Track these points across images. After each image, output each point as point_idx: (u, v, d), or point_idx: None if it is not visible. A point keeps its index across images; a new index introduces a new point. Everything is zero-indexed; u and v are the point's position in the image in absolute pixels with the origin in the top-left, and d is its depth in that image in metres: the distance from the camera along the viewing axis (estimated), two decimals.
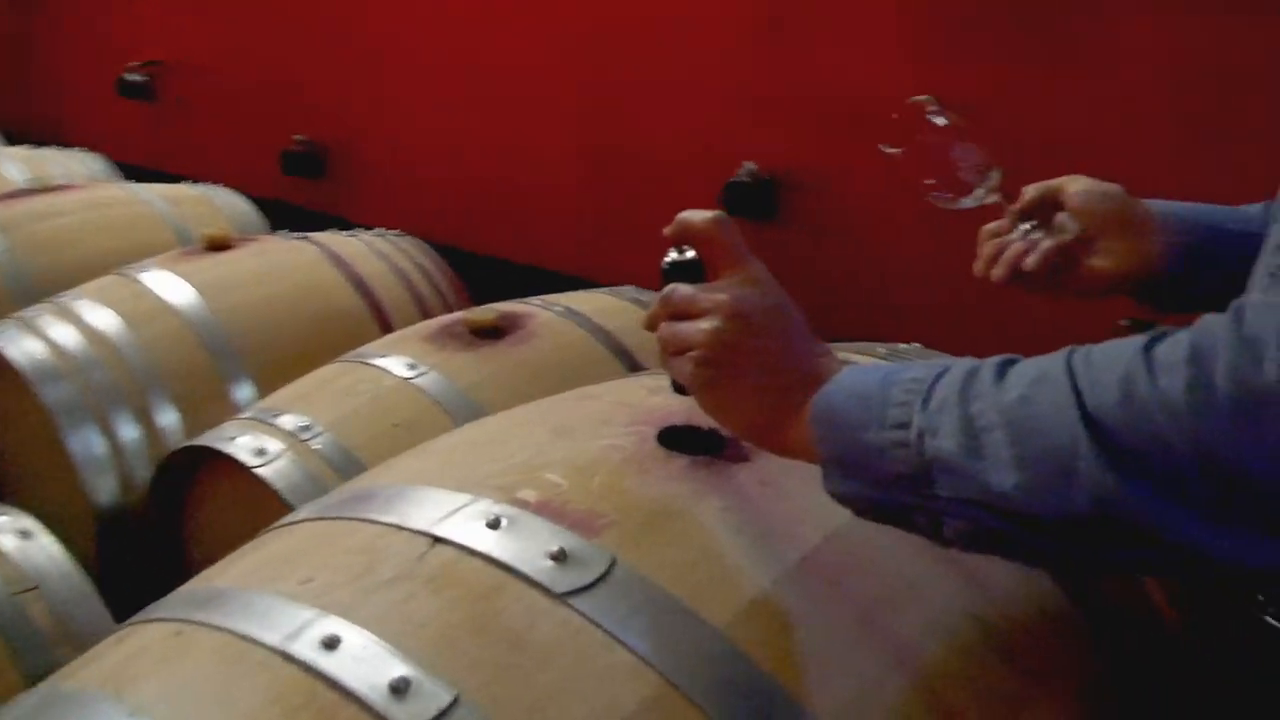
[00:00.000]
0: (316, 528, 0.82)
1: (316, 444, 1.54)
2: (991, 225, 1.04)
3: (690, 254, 0.80)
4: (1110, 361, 0.59)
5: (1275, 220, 0.93)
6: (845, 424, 0.68)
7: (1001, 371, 0.64)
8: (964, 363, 0.66)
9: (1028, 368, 0.63)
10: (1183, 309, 1.00)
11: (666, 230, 0.81)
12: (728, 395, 0.74)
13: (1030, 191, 1.02)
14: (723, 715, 0.64)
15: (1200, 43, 2.55)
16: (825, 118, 2.98)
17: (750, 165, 3.03)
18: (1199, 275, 0.96)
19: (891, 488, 0.66)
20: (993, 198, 1.01)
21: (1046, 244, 0.97)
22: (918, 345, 1.26)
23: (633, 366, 1.95)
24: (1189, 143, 2.55)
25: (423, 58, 3.44)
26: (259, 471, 1.48)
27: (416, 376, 1.69)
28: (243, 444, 1.53)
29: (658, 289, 2.13)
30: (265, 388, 1.83)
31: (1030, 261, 0.97)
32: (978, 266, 1.02)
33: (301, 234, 2.41)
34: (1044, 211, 1.01)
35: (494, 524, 0.74)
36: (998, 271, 0.99)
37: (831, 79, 2.93)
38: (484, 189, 3.47)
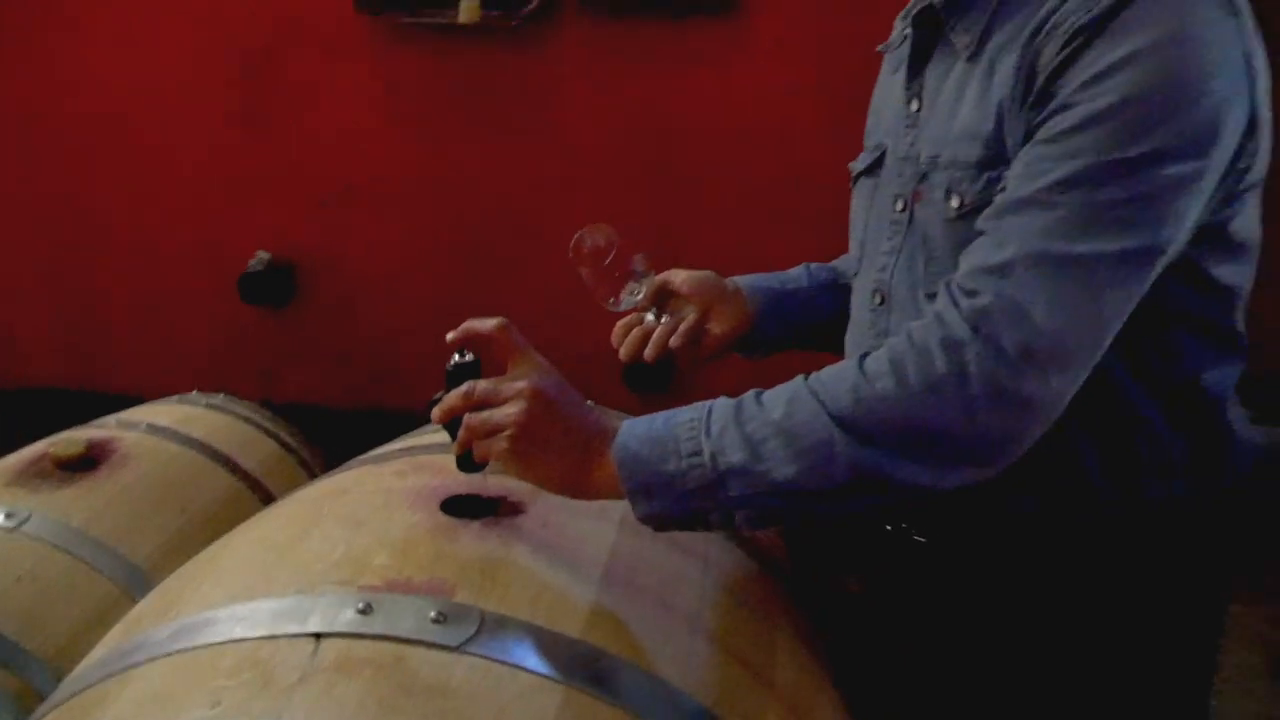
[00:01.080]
0: (164, 666, 0.85)
1: None
2: (625, 320, 1.26)
3: (470, 357, 0.97)
4: (837, 378, 0.88)
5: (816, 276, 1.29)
6: (646, 461, 0.91)
7: (759, 399, 0.90)
8: (722, 400, 0.92)
9: (778, 394, 0.90)
10: (768, 354, 1.32)
11: (450, 336, 0.97)
12: (540, 462, 0.93)
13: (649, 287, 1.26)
14: (614, 697, 0.83)
15: (635, 111, 3.09)
16: (326, 198, 3.11)
17: (264, 254, 3.07)
18: (776, 326, 1.29)
19: (691, 500, 0.90)
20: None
21: (685, 324, 1.22)
22: None
23: (234, 470, 1.96)
24: (629, 192, 3.08)
25: None
26: None
27: (21, 524, 1.59)
28: None
29: (217, 389, 2.23)
30: None
31: (675, 340, 1.22)
32: (625, 352, 1.24)
33: None
34: (662, 301, 1.26)
35: (365, 610, 0.85)
36: (650, 352, 1.22)
37: (324, 161, 3.08)
38: None
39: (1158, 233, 0.85)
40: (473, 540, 0.97)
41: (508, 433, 0.92)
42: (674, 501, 0.90)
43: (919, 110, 1.05)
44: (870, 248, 1.10)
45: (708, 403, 0.92)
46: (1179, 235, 0.87)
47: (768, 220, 3.14)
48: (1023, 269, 0.85)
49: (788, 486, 0.87)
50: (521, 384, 0.93)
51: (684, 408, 0.93)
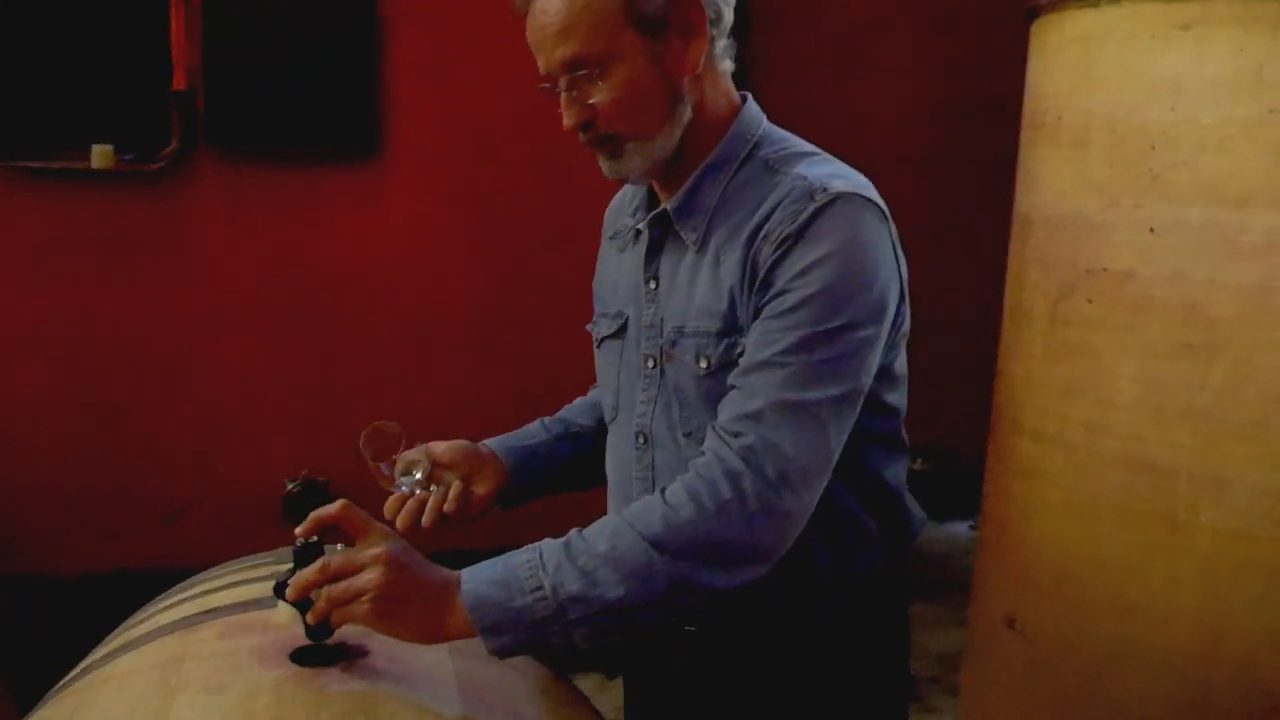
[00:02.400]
0: None
1: None
2: (395, 496, 1.33)
3: (314, 538, 1.11)
4: (647, 511, 1.11)
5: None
6: (494, 601, 1.08)
7: (583, 536, 1.11)
8: (548, 542, 1.12)
9: (599, 529, 1.11)
10: (523, 503, 1.46)
11: (300, 531, 1.11)
12: (401, 618, 1.07)
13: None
14: None
15: (279, 254, 3.16)
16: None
17: None
18: (529, 479, 1.45)
19: (537, 628, 1.08)
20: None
21: (454, 491, 1.34)
22: None
23: None
24: (275, 333, 3.13)
25: None
26: None
27: None
28: None
29: None
30: None
31: (448, 506, 1.33)
32: (402, 522, 1.31)
33: None
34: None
35: None
36: (428, 519, 1.32)
37: None
38: None
39: (858, 379, 1.18)
40: (340, 685, 1.07)
41: (369, 596, 1.06)
42: (523, 632, 1.08)
43: (657, 288, 1.32)
44: (626, 398, 1.34)
45: (536, 545, 1.12)
46: (870, 379, 1.20)
47: (415, 348, 3.31)
48: (770, 414, 1.13)
49: (619, 604, 1.08)
50: (376, 550, 1.08)
51: (516, 551, 1.12)
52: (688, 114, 1.25)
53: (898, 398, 1.30)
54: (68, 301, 2.96)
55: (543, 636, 1.09)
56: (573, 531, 1.12)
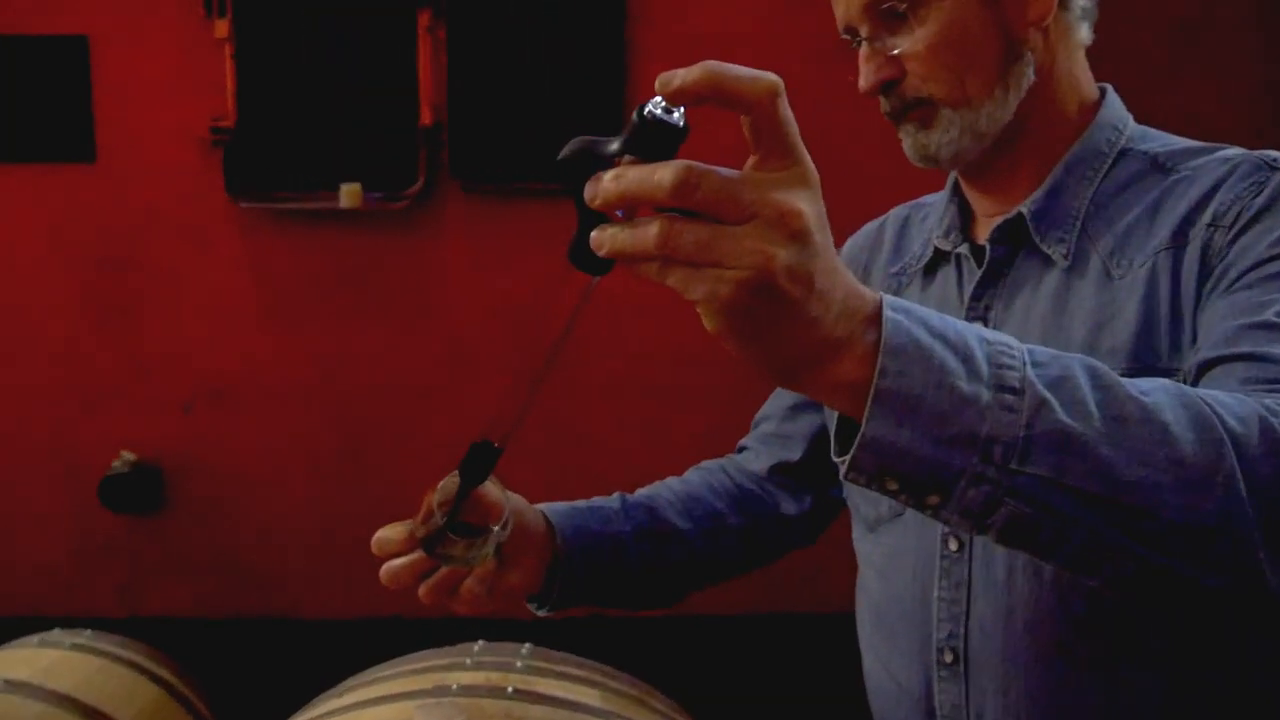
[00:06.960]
0: None
1: None
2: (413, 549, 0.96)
3: (682, 119, 0.57)
4: (1236, 400, 0.68)
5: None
6: (929, 363, 0.59)
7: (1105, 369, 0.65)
8: (1058, 353, 0.65)
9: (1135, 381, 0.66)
10: (556, 609, 1.04)
11: (682, 78, 0.57)
12: (769, 332, 0.58)
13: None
14: None
15: (522, 291, 3.02)
16: (196, 398, 2.91)
17: (128, 455, 2.83)
18: (581, 575, 1.03)
19: (958, 448, 0.59)
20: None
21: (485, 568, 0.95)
22: None
23: None
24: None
25: None
26: None
27: None
28: None
29: (74, 607, 1.91)
30: None
31: (472, 587, 0.94)
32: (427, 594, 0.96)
33: None
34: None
35: None
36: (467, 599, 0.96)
37: (191, 359, 2.89)
38: None
39: None
40: None
41: (740, 276, 0.55)
42: (933, 441, 0.59)
43: (987, 323, 0.97)
44: None
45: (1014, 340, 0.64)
46: None
47: (659, 394, 3.09)
48: None
49: (1130, 499, 0.60)
50: (789, 203, 0.56)
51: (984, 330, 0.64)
52: (1029, 79, 0.95)
53: None
54: (319, 339, 2.97)
55: (951, 470, 0.59)
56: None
